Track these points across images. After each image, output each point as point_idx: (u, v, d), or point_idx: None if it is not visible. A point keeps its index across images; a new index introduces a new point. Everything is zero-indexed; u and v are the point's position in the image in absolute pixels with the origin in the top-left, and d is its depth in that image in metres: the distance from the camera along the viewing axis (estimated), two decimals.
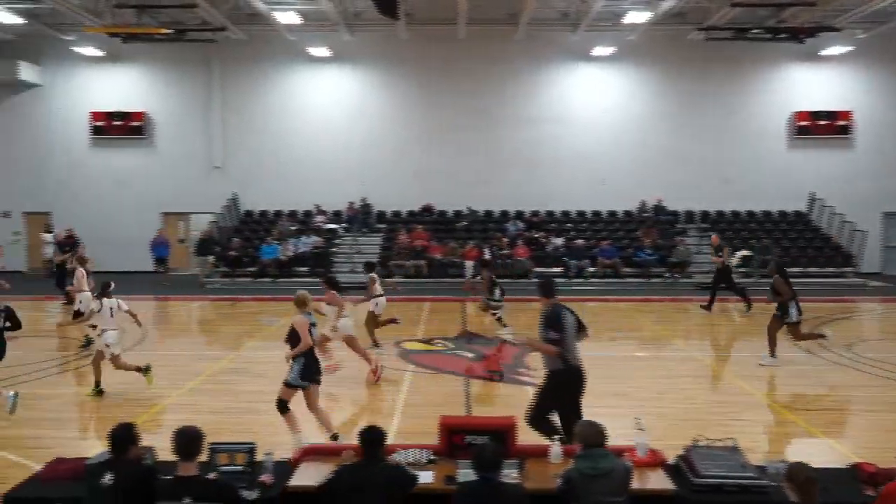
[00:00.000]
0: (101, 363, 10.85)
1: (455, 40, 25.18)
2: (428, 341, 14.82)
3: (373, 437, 5.13)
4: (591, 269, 23.58)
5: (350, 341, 11.62)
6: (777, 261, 15.10)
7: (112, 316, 10.95)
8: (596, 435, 5.02)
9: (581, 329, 7.27)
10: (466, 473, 5.16)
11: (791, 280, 12.78)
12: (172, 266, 25.56)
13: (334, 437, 8.23)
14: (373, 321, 13.83)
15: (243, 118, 26.50)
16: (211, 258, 23.92)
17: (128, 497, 4.74)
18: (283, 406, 8.22)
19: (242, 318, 18.53)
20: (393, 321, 14.23)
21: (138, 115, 26.35)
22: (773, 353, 12.53)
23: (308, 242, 24.07)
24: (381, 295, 13.93)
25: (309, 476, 5.49)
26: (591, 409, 7.09)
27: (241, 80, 26.39)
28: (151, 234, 25.21)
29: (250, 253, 24.12)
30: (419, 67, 26.14)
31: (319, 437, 8.22)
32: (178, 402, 10.49)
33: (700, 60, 25.67)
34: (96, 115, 26.37)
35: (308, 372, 8.12)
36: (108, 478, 4.81)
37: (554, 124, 26.22)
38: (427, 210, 26.34)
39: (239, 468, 5.59)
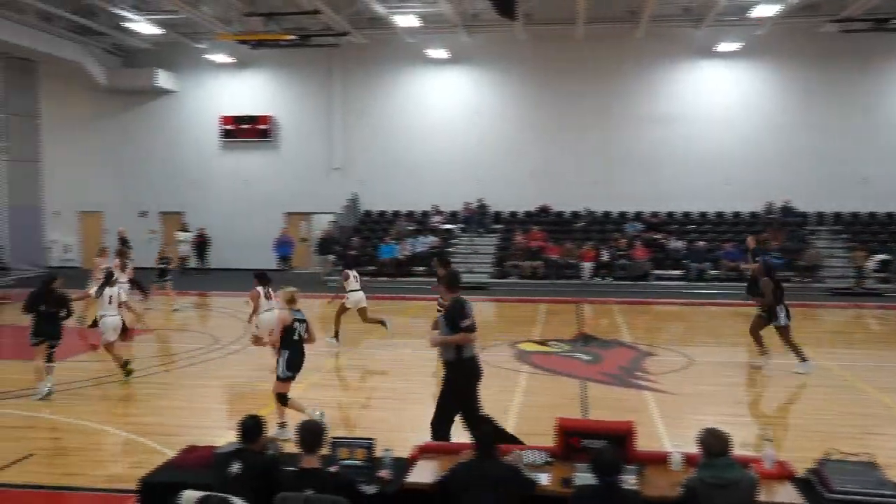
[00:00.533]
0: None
1: (573, 40, 24.91)
2: (544, 342, 14.72)
3: (487, 437, 5.13)
4: (713, 272, 22.81)
5: (257, 340, 11.75)
6: (765, 261, 14.21)
7: (110, 303, 11.52)
8: (720, 443, 4.82)
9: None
10: (584, 477, 5.08)
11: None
12: (295, 264, 26.41)
13: (282, 426, 8.59)
14: (341, 314, 14.24)
15: (363, 120, 27.09)
16: (331, 257, 24.56)
17: (253, 486, 4.91)
18: (282, 399, 8.71)
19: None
20: (381, 322, 14.32)
21: (264, 119, 27.38)
22: (762, 353, 12.30)
23: (425, 242, 24.37)
24: (355, 290, 14.25)
25: (426, 473, 5.54)
26: (715, 416, 6.86)
27: (361, 83, 27.00)
28: (275, 233, 26.14)
29: (369, 252, 24.63)
30: (536, 67, 26.01)
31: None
32: (299, 397, 10.77)
33: (833, 54, 24.41)
34: (225, 119, 27.58)
35: (292, 364, 8.60)
36: (235, 466, 5.01)
37: (675, 123, 25.54)
38: (544, 210, 26.17)
39: (358, 463, 5.70)
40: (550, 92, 26.01)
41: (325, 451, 5.25)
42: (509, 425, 9.15)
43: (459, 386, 7.32)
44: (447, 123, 26.59)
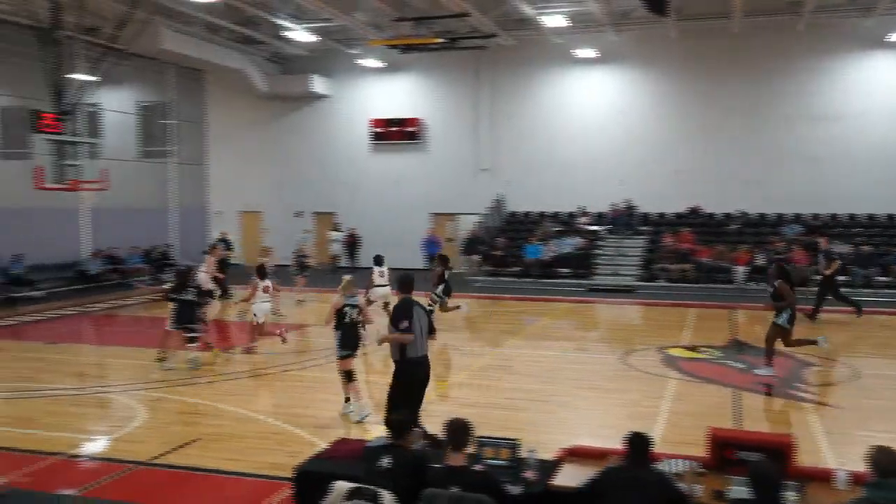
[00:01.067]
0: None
1: (728, 35, 23.92)
2: (693, 348, 14.22)
3: (640, 442, 5.00)
4: (883, 279, 21.28)
5: (256, 326, 13.38)
6: (778, 264, 13.27)
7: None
8: (894, 462, 4.49)
9: (431, 331, 8.00)
10: (739, 490, 4.87)
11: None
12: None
13: (347, 400, 9.65)
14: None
15: (509, 121, 27.15)
16: (477, 257, 24.75)
17: (402, 481, 5.02)
18: (348, 375, 9.62)
19: (505, 317, 18.97)
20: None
21: (413, 121, 27.95)
22: (769, 363, 11.85)
23: (570, 243, 24.12)
24: (382, 286, 15.46)
25: (572, 476, 5.48)
26: (886, 434, 6.40)
27: (508, 84, 27.06)
28: (422, 233, 26.62)
29: (514, 252, 24.64)
30: (687, 64, 25.15)
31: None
32: (443, 394, 10.96)
33: None
34: (376, 122, 28.36)
35: (346, 343, 9.57)
36: (385, 461, 5.14)
37: (839, 120, 24.00)
38: (694, 212, 25.28)
39: (503, 462, 5.71)
40: (701, 89, 25.10)
41: (470, 449, 5.29)
42: (655, 432, 8.90)
43: (402, 385, 7.67)
44: (593, 123, 26.20)
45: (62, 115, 13.71)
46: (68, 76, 14.70)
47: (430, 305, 15.43)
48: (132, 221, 25.58)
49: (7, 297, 19.70)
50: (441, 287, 15.93)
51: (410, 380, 7.74)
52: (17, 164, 28.73)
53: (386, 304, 14.97)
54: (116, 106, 28.23)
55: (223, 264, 20.50)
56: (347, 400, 9.64)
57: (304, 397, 10.76)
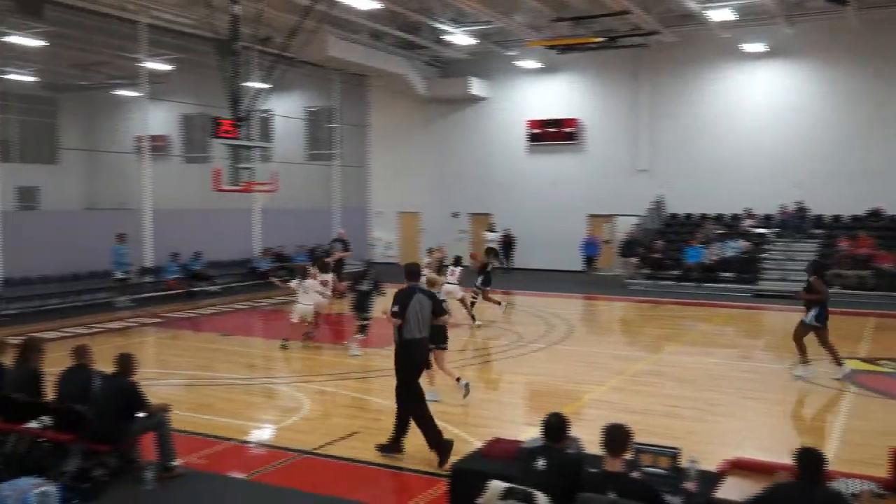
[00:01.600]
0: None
1: None
2: (873, 361, 13.23)
3: (813, 459, 4.70)
4: None
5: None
6: (815, 260, 13.04)
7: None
8: None
9: (438, 313, 8.53)
10: None
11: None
12: (597, 265, 26.42)
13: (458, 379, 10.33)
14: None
15: (670, 120, 26.33)
16: (634, 259, 24.20)
17: (557, 483, 4.98)
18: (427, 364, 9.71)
19: (664, 321, 18.43)
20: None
21: (570, 122, 27.69)
22: (804, 361, 11.75)
23: (735, 247, 23.07)
24: (451, 284, 15.64)
25: (736, 490, 5.23)
26: None
27: (668, 82, 26.26)
28: (578, 235, 26.31)
29: (674, 255, 23.89)
30: (867, 56, 23.37)
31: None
32: (599, 398, 10.79)
33: None
34: (532, 123, 28.31)
35: (436, 338, 9.79)
36: (540, 462, 5.12)
37: None
38: (875, 214, 23.49)
39: (662, 471, 5.53)
40: (883, 82, 23.30)
41: (628, 455, 5.17)
42: (829, 449, 8.35)
43: (399, 366, 8.21)
44: (761, 121, 24.92)
45: (238, 121, 14.58)
46: (244, 84, 15.68)
47: (472, 297, 16.85)
48: (298, 221, 26.86)
49: (188, 292, 21.22)
50: (481, 279, 17.04)
51: (405, 360, 8.20)
52: (197, 167, 30.88)
53: (462, 300, 16.22)
54: (286, 112, 29.80)
55: (340, 265, 21.15)
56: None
57: (458, 396, 10.88)
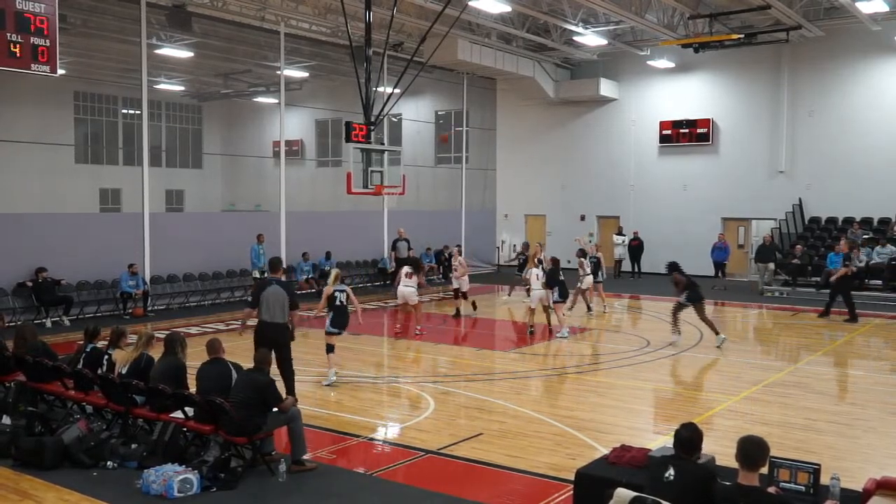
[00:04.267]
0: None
1: None
2: None
3: None
4: None
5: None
6: None
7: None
8: None
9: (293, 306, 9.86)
10: None
11: None
12: (730, 272, 25.45)
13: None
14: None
15: (811, 119, 25.04)
16: (771, 265, 23.15)
17: (687, 495, 4.81)
18: (329, 348, 11.84)
19: (803, 330, 17.53)
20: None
21: (704, 122, 26.81)
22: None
23: (884, 253, 21.67)
24: (537, 289, 15.83)
25: None
26: None
27: (811, 79, 24.97)
28: (710, 239, 25.42)
29: (815, 262, 22.69)
30: None
31: None
32: (731, 409, 10.38)
33: None
34: (664, 124, 27.59)
35: (336, 322, 11.95)
36: (670, 473, 4.96)
37: None
38: None
39: (800, 487, 5.26)
40: None
41: (764, 470, 4.95)
42: None
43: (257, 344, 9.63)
44: None
45: (370, 126, 14.94)
46: (376, 89, 16.06)
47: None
48: (426, 223, 27.20)
49: (318, 291, 21.89)
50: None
51: (259, 339, 9.63)
52: (329, 170, 31.81)
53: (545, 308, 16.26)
54: (415, 115, 30.31)
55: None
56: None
57: (587, 401, 10.75)
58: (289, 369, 9.92)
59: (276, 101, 25.34)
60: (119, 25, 20.98)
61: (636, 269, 27.13)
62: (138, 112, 20.85)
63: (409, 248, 23.62)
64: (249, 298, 10.18)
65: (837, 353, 14.68)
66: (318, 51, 25.41)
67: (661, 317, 17.97)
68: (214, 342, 8.23)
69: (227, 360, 8.16)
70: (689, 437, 5.11)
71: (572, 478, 6.30)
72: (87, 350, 9.00)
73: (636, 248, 27.21)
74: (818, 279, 21.98)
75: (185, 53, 24.19)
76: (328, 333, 11.87)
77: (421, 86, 25.69)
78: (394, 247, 22.51)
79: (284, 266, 10.68)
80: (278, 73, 23.37)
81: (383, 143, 17.06)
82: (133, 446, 7.89)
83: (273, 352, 9.14)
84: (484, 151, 31.09)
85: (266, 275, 11.82)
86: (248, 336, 10.39)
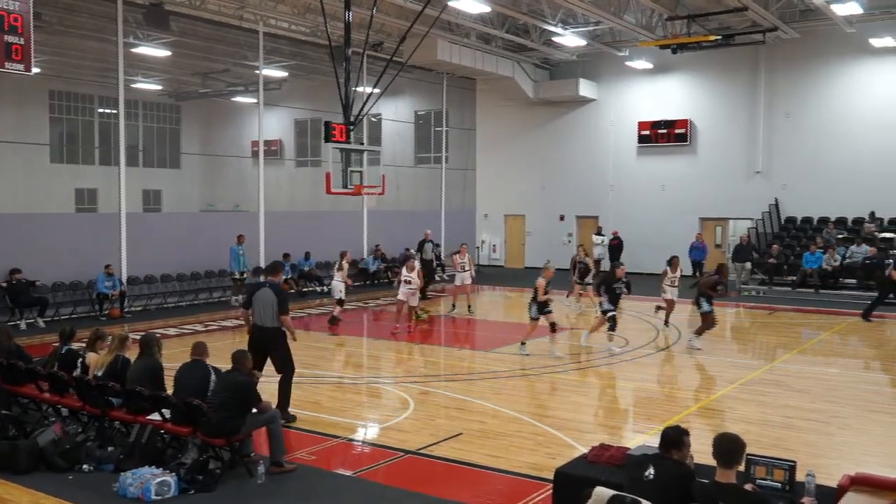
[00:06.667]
0: None
1: None
2: None
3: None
4: None
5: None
6: None
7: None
8: None
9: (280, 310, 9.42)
10: None
11: None
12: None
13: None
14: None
15: (787, 120, 25.29)
16: (748, 265, 23.34)
17: (666, 493, 4.84)
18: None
19: (780, 329, 17.70)
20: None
21: (682, 123, 26.99)
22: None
23: (858, 252, 21.94)
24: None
25: None
26: None
27: (787, 81, 25.21)
28: (688, 238, 25.57)
29: (791, 261, 22.92)
30: None
31: None
32: (708, 407, 10.47)
33: None
34: (643, 125, 27.75)
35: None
36: (649, 471, 4.99)
37: None
38: None
39: (776, 484, 5.32)
40: None
41: (741, 466, 4.99)
42: None
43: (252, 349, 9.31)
44: (886, 120, 23.57)
45: (350, 126, 14.89)
46: (355, 89, 16.03)
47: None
48: (404, 223, 27.15)
49: (298, 291, 21.81)
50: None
51: (252, 343, 9.40)
52: (309, 170, 31.63)
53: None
54: (395, 115, 30.27)
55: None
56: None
57: (565, 401, 10.79)
58: (287, 372, 9.59)
59: (255, 100, 25.21)
60: (95, 23, 20.80)
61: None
62: (115, 111, 20.71)
63: (435, 248, 23.36)
64: (244, 298, 10.17)
65: (814, 352, 14.83)
66: (298, 50, 25.31)
67: (642, 316, 18.08)
68: (199, 345, 8.15)
69: (206, 363, 8.09)
70: (674, 438, 5.14)
71: (552, 477, 6.32)
72: (63, 352, 8.90)
73: (616, 247, 27.30)
74: (794, 278, 22.25)
75: (162, 52, 24.00)
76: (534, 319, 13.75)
77: (400, 86, 25.63)
78: (420, 248, 22.20)
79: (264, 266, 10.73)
80: (257, 72, 23.25)
81: (363, 143, 17.03)
82: (109, 449, 7.81)
83: (269, 355, 9.42)
84: (463, 151, 31.08)
85: (261, 278, 11.70)
86: (243, 336, 10.41)
